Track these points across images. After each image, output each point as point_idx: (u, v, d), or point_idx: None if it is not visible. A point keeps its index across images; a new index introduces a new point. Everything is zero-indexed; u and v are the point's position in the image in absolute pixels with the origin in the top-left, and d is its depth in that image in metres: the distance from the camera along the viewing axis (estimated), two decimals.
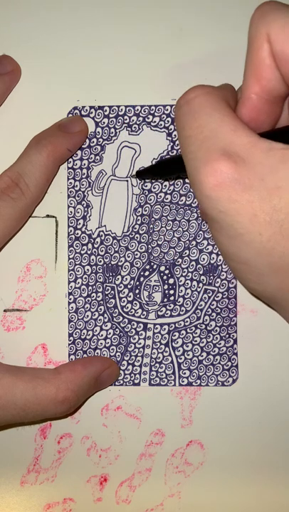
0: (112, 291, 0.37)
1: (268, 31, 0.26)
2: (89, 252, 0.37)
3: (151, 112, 0.37)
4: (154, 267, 0.37)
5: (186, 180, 0.37)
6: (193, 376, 0.37)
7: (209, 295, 0.37)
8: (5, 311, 0.38)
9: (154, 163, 0.37)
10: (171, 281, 0.37)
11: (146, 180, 0.37)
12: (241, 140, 0.26)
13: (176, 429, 0.38)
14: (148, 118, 0.37)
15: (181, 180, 0.37)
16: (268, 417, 0.37)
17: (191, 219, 0.37)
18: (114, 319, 0.38)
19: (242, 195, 0.25)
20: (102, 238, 0.37)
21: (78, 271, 0.37)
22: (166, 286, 0.37)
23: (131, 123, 0.37)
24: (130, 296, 0.38)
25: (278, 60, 0.26)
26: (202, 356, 0.37)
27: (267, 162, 0.25)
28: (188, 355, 0.37)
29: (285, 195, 0.25)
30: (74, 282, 0.38)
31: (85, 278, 0.37)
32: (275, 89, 0.27)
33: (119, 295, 0.38)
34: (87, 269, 0.37)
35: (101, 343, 0.38)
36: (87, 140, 0.37)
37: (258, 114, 0.28)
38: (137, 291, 0.38)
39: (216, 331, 0.37)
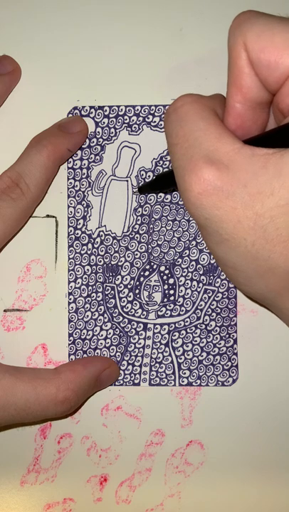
0: (112, 291, 0.37)
1: (245, 40, 0.26)
2: (89, 252, 0.37)
3: (151, 111, 0.37)
4: (154, 267, 0.37)
5: None
6: (193, 376, 0.37)
7: (209, 295, 0.37)
8: (5, 311, 0.38)
9: (153, 177, 0.37)
10: (171, 281, 0.37)
11: (147, 181, 0.37)
12: (225, 147, 0.26)
13: (176, 429, 0.38)
14: (148, 118, 0.37)
15: None
16: (267, 417, 0.37)
17: (191, 219, 0.37)
18: (114, 319, 0.38)
19: (225, 202, 0.26)
20: (102, 238, 0.37)
21: (78, 271, 0.37)
22: (166, 286, 0.37)
23: (131, 123, 0.37)
24: (130, 296, 0.38)
25: (256, 68, 0.27)
26: (202, 356, 0.37)
27: (249, 168, 0.25)
28: (188, 355, 0.37)
29: (266, 200, 0.25)
30: (74, 282, 0.38)
31: (85, 278, 0.37)
32: (257, 96, 0.28)
33: (119, 295, 0.38)
34: (87, 269, 0.37)
35: (101, 343, 0.38)
36: (87, 140, 0.37)
37: (243, 121, 0.28)
38: (137, 291, 0.38)
39: (216, 331, 0.37)
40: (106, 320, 0.38)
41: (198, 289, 0.37)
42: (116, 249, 0.37)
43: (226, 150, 0.26)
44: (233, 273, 0.28)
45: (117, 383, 0.38)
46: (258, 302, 0.35)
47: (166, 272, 0.37)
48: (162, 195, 0.37)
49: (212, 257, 0.37)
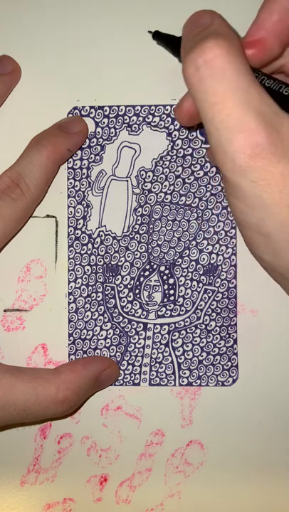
0: (112, 291, 0.37)
1: None
2: (89, 252, 0.37)
3: (151, 111, 0.37)
4: (154, 267, 0.37)
5: (186, 180, 0.37)
6: (193, 376, 0.37)
7: (209, 295, 0.37)
8: (5, 311, 0.38)
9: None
10: (171, 281, 0.37)
11: (147, 181, 0.37)
12: (270, 108, 0.26)
13: (176, 429, 0.38)
14: (148, 118, 0.37)
15: (181, 180, 0.37)
16: (267, 417, 0.37)
17: (191, 219, 0.37)
18: (114, 319, 0.38)
19: (276, 166, 0.25)
20: (102, 238, 0.37)
21: (78, 271, 0.37)
22: (166, 286, 0.37)
23: (131, 123, 0.37)
24: (130, 296, 0.38)
25: None
26: (202, 356, 0.37)
27: None
28: (188, 355, 0.37)
29: None
30: (74, 282, 0.38)
31: (85, 278, 0.37)
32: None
33: (119, 295, 0.38)
34: (87, 269, 0.37)
35: (101, 343, 0.38)
36: (87, 140, 0.37)
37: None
38: (137, 291, 0.38)
39: (216, 331, 0.37)
40: (106, 320, 0.38)
41: (198, 289, 0.37)
42: (116, 249, 0.37)
43: (272, 111, 0.26)
44: (263, 241, 0.27)
45: (117, 383, 0.38)
46: (270, 274, 0.34)
47: (166, 272, 0.37)
48: (162, 195, 0.37)
49: (212, 256, 0.37)
